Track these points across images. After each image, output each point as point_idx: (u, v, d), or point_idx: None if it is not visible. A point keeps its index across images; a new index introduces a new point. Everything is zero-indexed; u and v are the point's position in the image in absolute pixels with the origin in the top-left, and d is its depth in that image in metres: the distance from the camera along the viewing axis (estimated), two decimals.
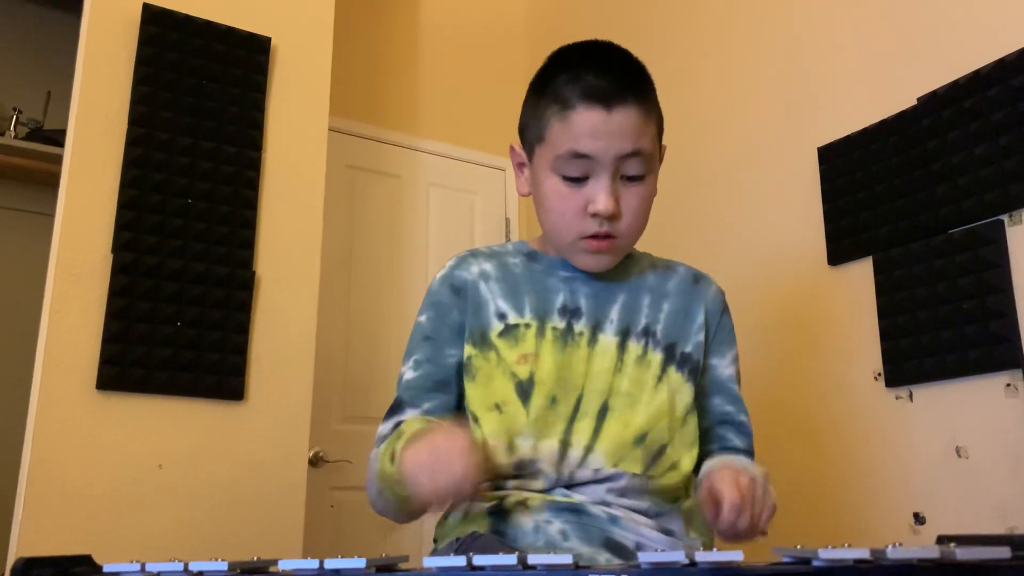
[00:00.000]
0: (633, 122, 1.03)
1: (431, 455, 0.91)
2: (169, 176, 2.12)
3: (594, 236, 1.06)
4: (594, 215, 1.05)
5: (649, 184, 1.08)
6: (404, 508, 1.03)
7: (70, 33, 2.41)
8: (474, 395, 1.10)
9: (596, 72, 1.03)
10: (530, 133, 1.11)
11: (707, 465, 1.10)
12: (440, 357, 1.13)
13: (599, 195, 1.04)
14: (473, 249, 1.22)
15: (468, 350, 1.11)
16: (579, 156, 1.03)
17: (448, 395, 1.13)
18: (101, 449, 1.96)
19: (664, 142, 1.14)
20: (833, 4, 2.20)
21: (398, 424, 1.11)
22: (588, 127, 1.02)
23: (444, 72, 3.26)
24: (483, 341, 1.11)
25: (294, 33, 2.39)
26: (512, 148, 1.17)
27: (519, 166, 1.17)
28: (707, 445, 1.16)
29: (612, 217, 1.05)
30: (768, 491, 0.98)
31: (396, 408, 1.13)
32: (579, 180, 1.05)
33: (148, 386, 2.02)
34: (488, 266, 1.17)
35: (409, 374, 1.14)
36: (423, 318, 1.16)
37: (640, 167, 1.05)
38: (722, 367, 1.18)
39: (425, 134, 3.17)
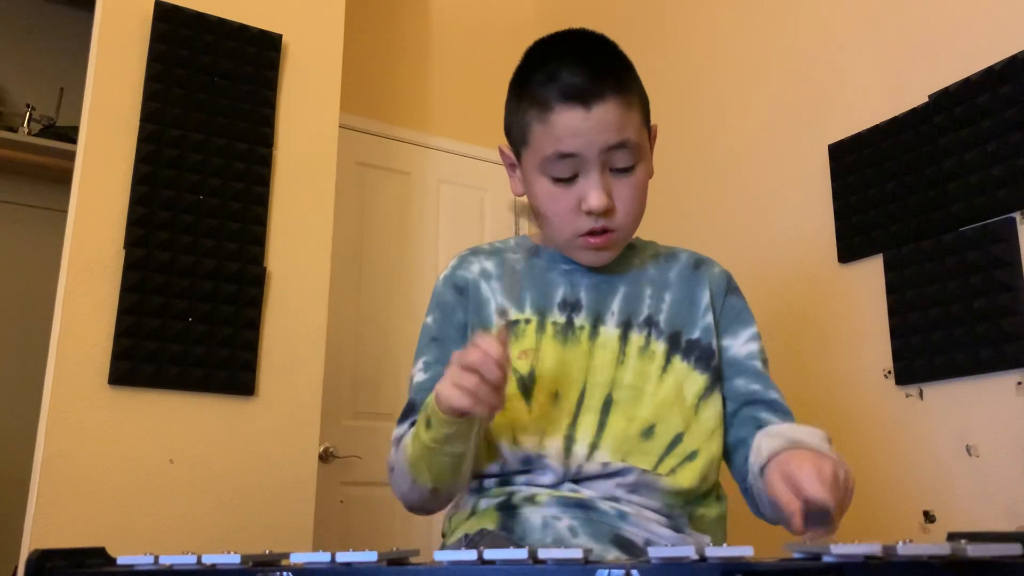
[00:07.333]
0: (614, 115, 1.01)
1: (456, 366, 0.93)
2: (181, 172, 2.13)
3: (591, 233, 1.05)
4: (588, 212, 1.03)
5: (640, 173, 1.06)
6: (459, 461, 1.01)
7: (83, 30, 2.43)
8: None
9: (570, 68, 1.00)
10: (515, 135, 1.10)
11: (767, 444, 0.98)
12: (448, 358, 1.12)
13: (590, 192, 1.02)
14: (474, 247, 1.22)
15: None
16: (564, 156, 1.02)
17: None
18: (113, 444, 1.97)
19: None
20: (844, 1, 2.19)
21: (415, 424, 1.10)
22: (568, 127, 1.00)
23: (454, 69, 3.27)
24: None
25: (305, 30, 2.40)
26: (501, 150, 1.16)
27: (510, 167, 1.15)
28: (739, 430, 1.09)
29: (607, 212, 1.04)
30: (848, 473, 0.87)
31: (410, 411, 1.12)
32: (569, 180, 1.04)
33: (159, 381, 2.03)
34: (489, 264, 1.17)
35: (420, 376, 1.14)
36: (430, 319, 1.17)
37: (628, 158, 1.03)
38: (736, 347, 1.13)
39: (435, 131, 3.18)
